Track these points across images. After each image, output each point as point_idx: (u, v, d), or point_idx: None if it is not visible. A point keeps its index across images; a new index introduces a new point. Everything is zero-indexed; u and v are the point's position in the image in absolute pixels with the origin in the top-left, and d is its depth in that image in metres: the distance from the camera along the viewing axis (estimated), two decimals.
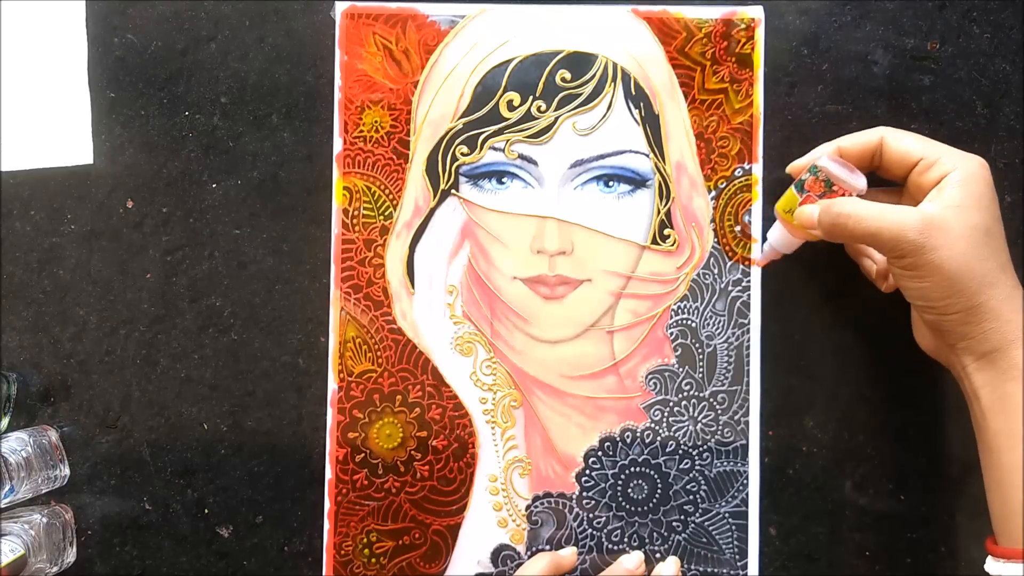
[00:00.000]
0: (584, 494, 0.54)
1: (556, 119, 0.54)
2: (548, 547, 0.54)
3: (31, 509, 0.54)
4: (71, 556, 0.54)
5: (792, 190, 0.49)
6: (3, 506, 0.51)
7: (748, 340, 0.54)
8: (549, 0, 0.55)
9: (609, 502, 0.54)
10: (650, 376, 0.54)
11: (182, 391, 0.55)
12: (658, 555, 0.54)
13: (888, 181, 0.50)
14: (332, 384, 0.54)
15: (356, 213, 0.55)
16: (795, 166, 0.51)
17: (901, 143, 0.48)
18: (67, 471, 0.55)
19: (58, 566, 0.53)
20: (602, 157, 0.54)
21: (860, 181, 0.48)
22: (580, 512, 0.54)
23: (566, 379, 0.54)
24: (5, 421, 0.54)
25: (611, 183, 0.54)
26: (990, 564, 0.45)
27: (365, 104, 0.55)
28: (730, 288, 0.54)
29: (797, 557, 0.54)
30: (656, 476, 0.54)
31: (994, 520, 0.46)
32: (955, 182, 0.45)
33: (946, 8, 0.55)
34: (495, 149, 0.54)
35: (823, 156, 0.49)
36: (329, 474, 0.54)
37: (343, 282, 0.55)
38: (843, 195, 0.47)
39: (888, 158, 0.48)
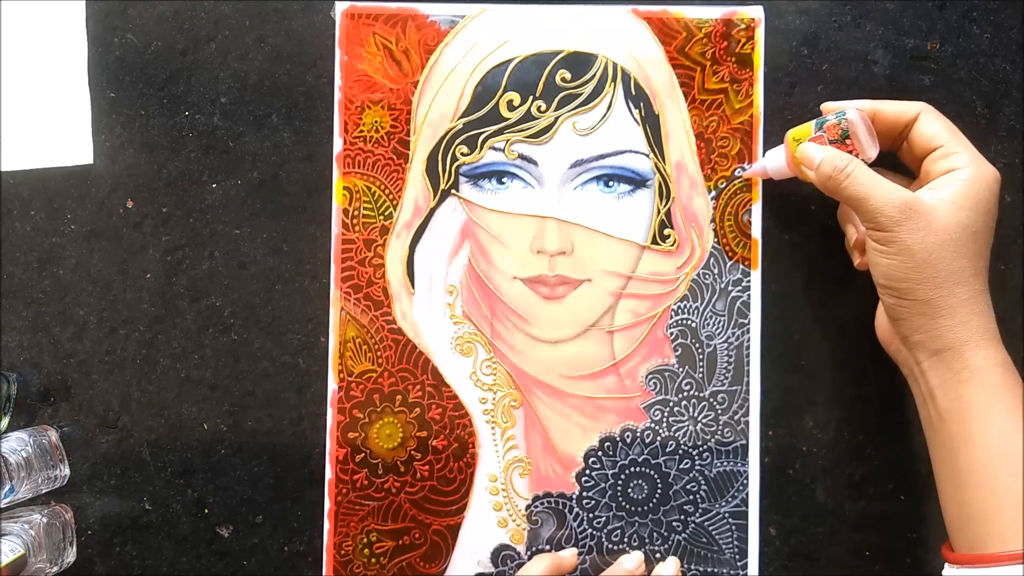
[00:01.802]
0: (584, 494, 0.54)
1: (556, 119, 0.54)
2: (548, 547, 0.54)
3: (31, 509, 0.54)
4: (71, 556, 0.54)
5: (812, 124, 0.49)
6: (3, 506, 0.51)
7: (748, 340, 0.54)
8: (549, 0, 0.55)
9: (609, 502, 0.54)
10: (650, 376, 0.54)
11: (182, 391, 0.55)
12: (658, 555, 0.54)
13: (904, 171, 0.50)
14: (332, 384, 0.54)
15: (356, 213, 0.55)
16: (828, 106, 0.51)
17: (932, 126, 0.47)
18: (67, 471, 0.55)
19: (58, 566, 0.53)
20: (602, 157, 0.54)
21: (872, 150, 0.48)
22: (580, 512, 0.54)
23: (566, 379, 0.54)
24: (5, 421, 0.54)
25: (611, 183, 0.54)
26: (949, 571, 0.44)
27: (365, 104, 0.55)
28: (730, 288, 0.54)
29: (797, 557, 0.54)
30: (656, 476, 0.54)
31: (949, 524, 0.45)
32: (960, 179, 0.45)
33: (946, 8, 0.55)
34: (495, 149, 0.54)
35: (855, 109, 0.48)
36: (329, 474, 0.54)
37: (343, 282, 0.55)
38: (851, 152, 0.47)
39: (914, 135, 0.48)
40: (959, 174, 0.45)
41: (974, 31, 0.55)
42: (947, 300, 0.44)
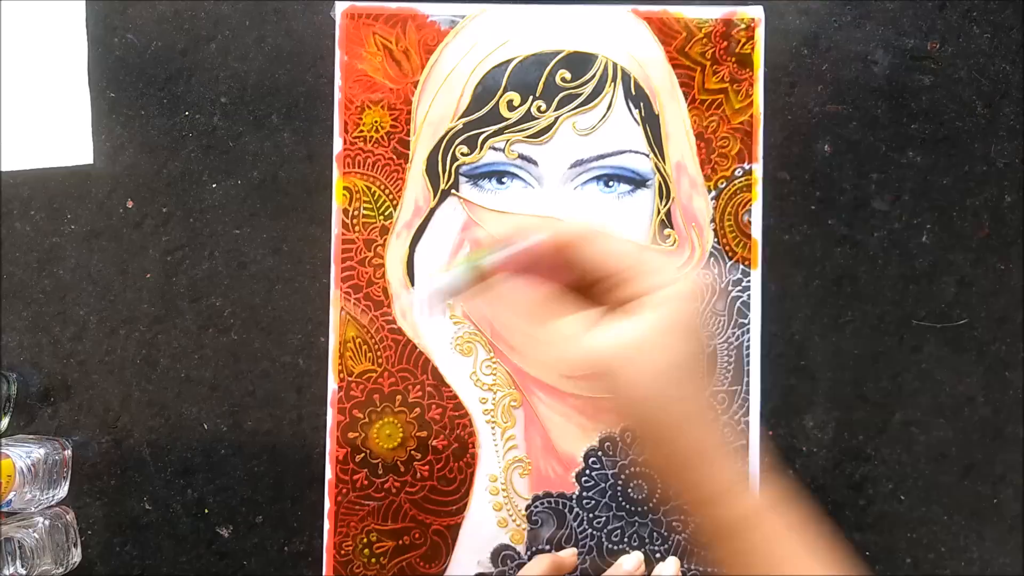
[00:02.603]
0: (584, 494, 0.54)
1: (556, 119, 0.54)
2: (548, 547, 0.54)
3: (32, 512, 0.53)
4: (76, 557, 0.54)
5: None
6: (4, 510, 0.50)
7: (748, 340, 0.54)
8: (549, 0, 0.55)
9: (609, 502, 0.54)
10: None
11: (182, 391, 0.55)
12: (658, 555, 0.54)
13: None
14: (332, 384, 0.54)
15: (356, 213, 0.55)
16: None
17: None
18: (65, 491, 0.54)
19: (64, 567, 0.53)
20: (602, 157, 0.54)
21: None
22: (580, 512, 0.54)
23: (566, 379, 0.54)
24: (5, 421, 0.54)
25: (611, 183, 0.54)
26: None
27: (365, 104, 0.55)
28: (730, 288, 0.54)
29: None
30: (656, 476, 0.54)
31: None
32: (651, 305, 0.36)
33: (946, 8, 0.55)
34: (495, 149, 0.54)
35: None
36: (329, 474, 0.54)
37: (343, 282, 0.55)
38: None
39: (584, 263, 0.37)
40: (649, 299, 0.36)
41: (974, 31, 0.55)
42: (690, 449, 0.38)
